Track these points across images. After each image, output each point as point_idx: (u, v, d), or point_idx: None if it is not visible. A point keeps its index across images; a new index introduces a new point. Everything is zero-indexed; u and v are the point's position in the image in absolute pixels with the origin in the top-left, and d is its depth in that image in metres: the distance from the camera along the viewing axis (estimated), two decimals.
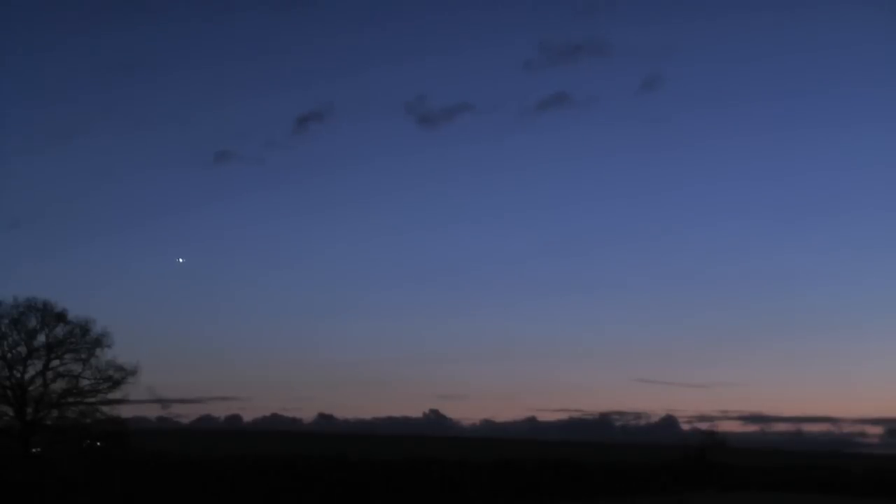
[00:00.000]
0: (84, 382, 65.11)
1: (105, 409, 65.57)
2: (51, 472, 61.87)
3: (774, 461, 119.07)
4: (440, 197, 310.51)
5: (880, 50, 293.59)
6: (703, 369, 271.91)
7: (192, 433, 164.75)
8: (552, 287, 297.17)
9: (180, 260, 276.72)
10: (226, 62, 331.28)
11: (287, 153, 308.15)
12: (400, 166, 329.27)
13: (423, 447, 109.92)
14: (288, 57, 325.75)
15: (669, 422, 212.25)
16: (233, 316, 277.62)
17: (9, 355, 63.28)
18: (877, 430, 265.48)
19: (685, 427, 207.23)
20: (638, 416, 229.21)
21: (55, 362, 64.18)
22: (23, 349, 63.46)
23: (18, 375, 63.37)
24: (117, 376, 65.06)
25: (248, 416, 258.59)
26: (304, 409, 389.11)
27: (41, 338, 63.72)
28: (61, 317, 64.43)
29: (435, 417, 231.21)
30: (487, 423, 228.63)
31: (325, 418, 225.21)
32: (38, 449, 65.45)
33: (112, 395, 65.53)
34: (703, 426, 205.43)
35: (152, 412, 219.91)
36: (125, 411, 69.34)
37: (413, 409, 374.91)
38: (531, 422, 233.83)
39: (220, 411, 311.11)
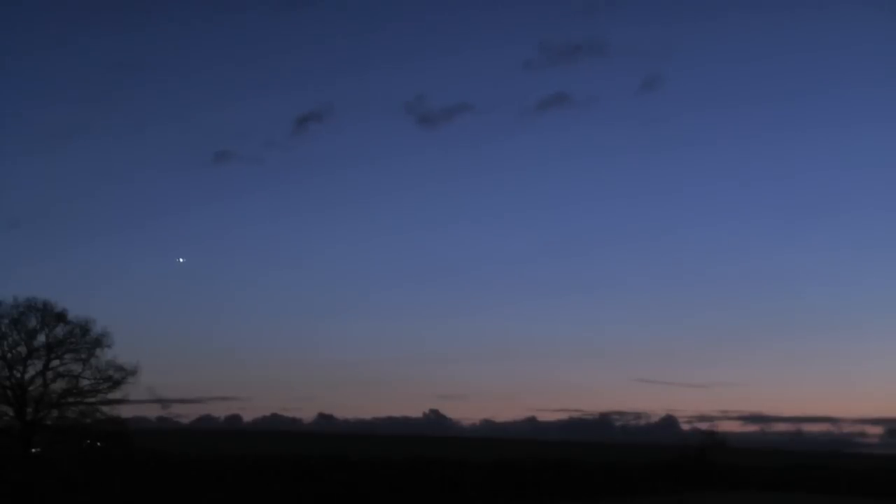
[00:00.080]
0: (84, 382, 65.25)
1: (105, 409, 65.67)
2: (51, 472, 61.87)
3: (774, 461, 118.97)
4: (440, 197, 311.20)
5: (880, 50, 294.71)
6: (703, 369, 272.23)
7: (192, 433, 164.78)
8: (552, 287, 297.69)
9: (180, 260, 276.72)
10: (226, 62, 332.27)
11: (287, 153, 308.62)
12: (400, 166, 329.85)
13: (423, 447, 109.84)
14: (287, 57, 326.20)
15: (669, 422, 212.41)
16: (233, 316, 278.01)
17: (9, 355, 63.33)
18: (877, 430, 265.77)
19: (685, 427, 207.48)
20: (638, 416, 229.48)
21: (55, 362, 64.24)
22: (23, 349, 63.53)
23: (18, 375, 63.45)
24: (117, 376, 65.16)
25: (248, 416, 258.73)
26: (304, 409, 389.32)
27: (41, 338, 63.84)
28: (61, 317, 64.48)
29: (435, 417, 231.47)
30: (487, 423, 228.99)
31: (325, 418, 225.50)
32: (38, 449, 65.45)
33: (112, 395, 65.68)
34: (703, 426, 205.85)
35: (152, 412, 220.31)
36: (125, 411, 69.54)
37: (413, 409, 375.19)
38: (531, 422, 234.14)
39: (220, 411, 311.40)
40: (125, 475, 62.49)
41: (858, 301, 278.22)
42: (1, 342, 63.22)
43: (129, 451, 66.56)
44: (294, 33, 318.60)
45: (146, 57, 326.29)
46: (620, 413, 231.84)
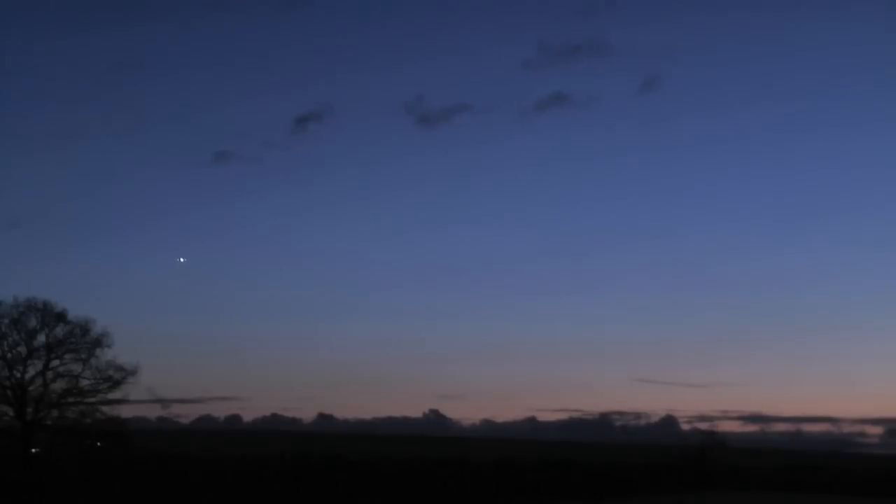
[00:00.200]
0: (84, 382, 65.33)
1: (105, 409, 65.75)
2: (51, 472, 61.88)
3: (774, 461, 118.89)
4: (440, 197, 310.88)
5: (880, 50, 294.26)
6: (703, 369, 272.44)
7: (192, 433, 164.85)
8: (552, 287, 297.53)
9: (181, 260, 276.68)
10: (225, 62, 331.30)
11: (286, 153, 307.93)
12: (399, 166, 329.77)
13: (423, 447, 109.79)
14: (287, 57, 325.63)
15: (669, 422, 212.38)
16: (233, 316, 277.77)
17: (9, 355, 63.38)
18: (877, 430, 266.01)
19: (685, 427, 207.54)
20: (638, 416, 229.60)
21: (55, 362, 64.29)
22: (23, 349, 63.58)
23: (18, 375, 63.50)
24: (117, 376, 65.22)
25: (248, 416, 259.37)
26: (304, 409, 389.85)
27: (41, 338, 63.90)
28: (61, 317, 64.53)
29: (435, 417, 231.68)
30: (487, 423, 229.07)
31: (325, 418, 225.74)
32: (38, 449, 65.47)
33: (112, 395, 65.77)
34: (703, 426, 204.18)
35: (152, 412, 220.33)
36: (125, 411, 69.67)
37: (413, 409, 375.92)
38: (531, 422, 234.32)
39: (220, 411, 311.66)
40: (125, 475, 62.49)
41: (858, 301, 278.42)
42: (1, 342, 63.28)
43: (129, 451, 66.59)
44: (294, 33, 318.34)
45: (146, 57, 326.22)
46: (620, 413, 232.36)
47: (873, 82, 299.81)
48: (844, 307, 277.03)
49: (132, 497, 60.38)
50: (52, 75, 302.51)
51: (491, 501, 77.25)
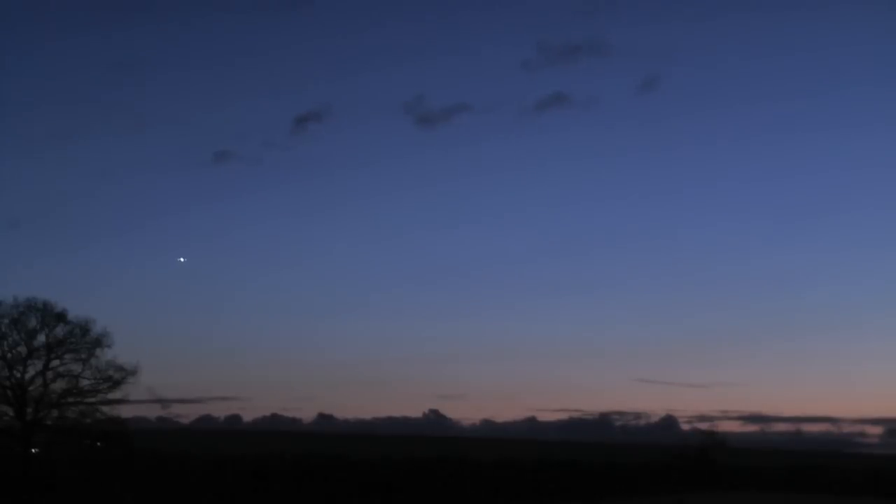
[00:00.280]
0: (84, 382, 65.15)
1: (105, 409, 65.57)
2: (51, 472, 61.86)
3: (774, 461, 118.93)
4: (439, 197, 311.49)
5: (880, 50, 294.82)
6: (703, 369, 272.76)
7: (192, 433, 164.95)
8: (552, 287, 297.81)
9: (181, 260, 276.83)
10: (225, 62, 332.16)
11: (285, 153, 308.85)
12: (399, 166, 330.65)
13: (423, 447, 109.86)
14: (286, 57, 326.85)
15: (669, 422, 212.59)
16: (233, 316, 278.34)
17: (9, 355, 63.29)
18: (877, 430, 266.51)
19: (685, 427, 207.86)
20: (638, 416, 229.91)
21: (55, 362, 64.18)
22: (23, 349, 63.47)
23: (18, 375, 63.38)
24: (117, 376, 65.07)
25: (248, 416, 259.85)
26: (304, 409, 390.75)
27: (41, 338, 63.76)
28: (61, 317, 64.43)
29: (435, 417, 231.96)
30: (487, 423, 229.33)
31: (325, 418, 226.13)
32: (38, 449, 65.42)
33: (112, 395, 65.56)
34: (703, 426, 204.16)
35: (152, 412, 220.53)
36: (125, 411, 69.50)
37: (413, 409, 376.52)
38: (531, 422, 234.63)
39: (220, 411, 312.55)
40: (125, 475, 62.48)
41: (858, 301, 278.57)
42: (1, 342, 63.18)
43: (129, 451, 66.53)
44: (293, 33, 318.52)
45: (146, 57, 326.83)
46: (620, 413, 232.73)
47: (873, 82, 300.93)
48: (844, 307, 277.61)
49: (132, 497, 60.43)
50: (52, 75, 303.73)
51: (491, 501, 77.28)
